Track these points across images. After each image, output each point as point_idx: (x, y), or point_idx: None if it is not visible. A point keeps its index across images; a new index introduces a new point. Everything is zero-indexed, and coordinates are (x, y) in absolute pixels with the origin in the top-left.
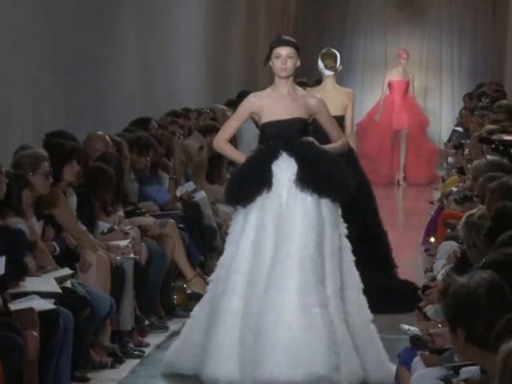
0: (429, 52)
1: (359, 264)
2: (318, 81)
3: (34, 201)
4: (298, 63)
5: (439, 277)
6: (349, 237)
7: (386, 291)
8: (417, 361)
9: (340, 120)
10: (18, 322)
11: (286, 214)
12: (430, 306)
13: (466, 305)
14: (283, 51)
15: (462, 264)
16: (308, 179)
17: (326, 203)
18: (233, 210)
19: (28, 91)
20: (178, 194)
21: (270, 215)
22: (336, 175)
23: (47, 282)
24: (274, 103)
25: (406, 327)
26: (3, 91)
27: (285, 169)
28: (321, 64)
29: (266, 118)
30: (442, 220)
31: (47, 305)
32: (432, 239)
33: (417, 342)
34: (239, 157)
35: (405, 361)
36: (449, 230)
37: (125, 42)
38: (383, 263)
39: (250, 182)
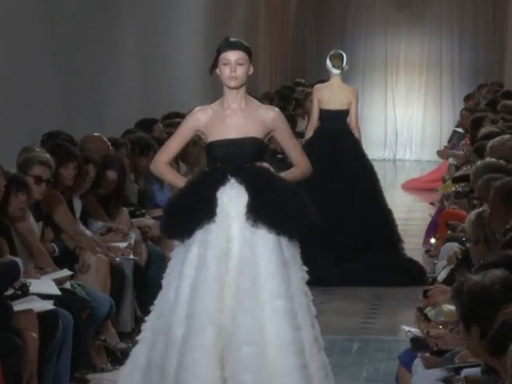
0: (429, 52)
1: (367, 241)
2: (320, 81)
3: (33, 202)
4: (251, 70)
5: (440, 278)
6: (356, 217)
7: (392, 267)
8: (417, 362)
9: (345, 113)
10: (17, 323)
11: (242, 252)
12: (431, 307)
13: (481, 301)
14: (232, 56)
15: (462, 265)
16: (260, 212)
17: (284, 240)
18: None
19: (27, 91)
20: None
21: (213, 252)
22: (293, 209)
23: (47, 284)
24: (223, 119)
25: (407, 328)
26: (2, 91)
27: (234, 198)
28: (329, 63)
29: (212, 136)
30: (443, 221)
31: (46, 306)
32: (433, 240)
33: (417, 344)
34: (181, 182)
35: (405, 362)
36: (449, 231)
37: (124, 42)
38: (390, 238)
39: (188, 212)
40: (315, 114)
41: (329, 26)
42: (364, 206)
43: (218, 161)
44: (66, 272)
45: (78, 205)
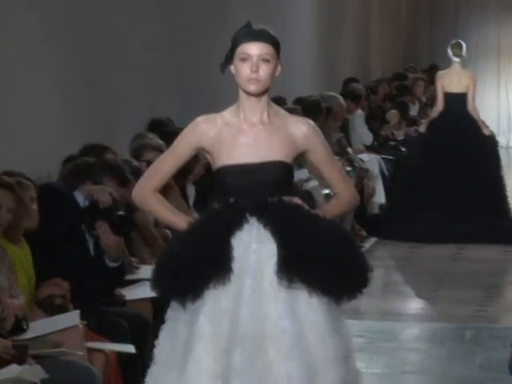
0: None
1: (481, 205)
2: (432, 66)
3: None
4: (279, 71)
5: None
6: (471, 183)
7: (503, 227)
8: None
9: (463, 96)
10: (133, 309)
11: (283, 325)
12: None
13: None
14: (254, 50)
15: None
16: (298, 269)
17: (324, 304)
18: None
19: (142, 78)
20: None
21: (226, 321)
22: (343, 261)
23: None
24: (237, 136)
25: None
26: (119, 80)
27: (253, 244)
28: (450, 52)
29: (223, 159)
30: None
31: None
32: None
33: None
34: (178, 219)
35: None
36: None
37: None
38: (502, 203)
39: (194, 266)
40: (440, 98)
41: (443, 12)
42: (480, 174)
43: (231, 194)
44: None
45: (191, 190)
